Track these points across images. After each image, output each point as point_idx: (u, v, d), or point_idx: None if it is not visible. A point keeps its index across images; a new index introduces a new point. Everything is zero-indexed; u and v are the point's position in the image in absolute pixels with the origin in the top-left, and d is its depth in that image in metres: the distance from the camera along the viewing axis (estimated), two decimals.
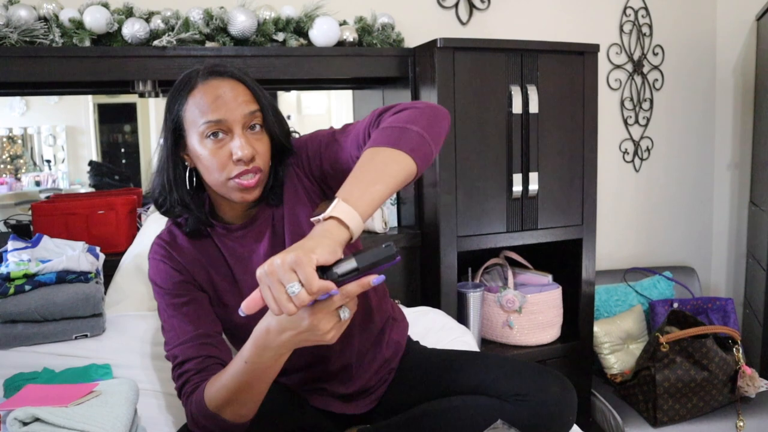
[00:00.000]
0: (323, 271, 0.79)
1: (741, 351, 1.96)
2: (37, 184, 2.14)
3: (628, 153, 2.64)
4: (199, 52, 1.72)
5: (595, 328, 2.18)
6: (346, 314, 0.86)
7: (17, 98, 2.05)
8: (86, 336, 1.43)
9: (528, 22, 2.38)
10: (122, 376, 1.33)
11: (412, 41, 2.07)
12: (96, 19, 1.65)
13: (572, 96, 1.99)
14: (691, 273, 2.60)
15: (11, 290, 1.35)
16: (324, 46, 1.88)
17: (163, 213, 1.14)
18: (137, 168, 2.23)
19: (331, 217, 0.85)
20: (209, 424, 1.01)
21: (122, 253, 1.70)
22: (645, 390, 1.95)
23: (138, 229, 1.82)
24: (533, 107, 1.91)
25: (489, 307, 2.03)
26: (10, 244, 1.50)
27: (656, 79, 2.63)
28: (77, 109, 2.15)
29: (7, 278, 1.36)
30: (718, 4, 2.68)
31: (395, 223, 2.15)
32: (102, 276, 1.54)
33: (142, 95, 1.87)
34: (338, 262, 0.81)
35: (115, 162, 2.22)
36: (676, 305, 2.31)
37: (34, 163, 2.15)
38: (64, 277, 1.41)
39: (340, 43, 1.92)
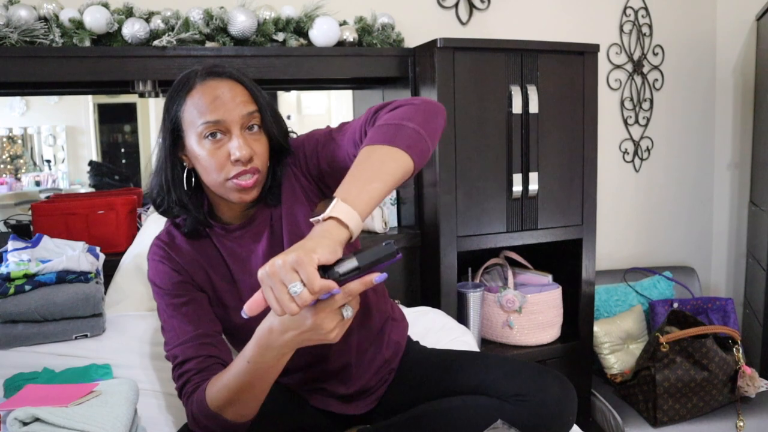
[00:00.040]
0: (324, 270, 0.79)
1: (741, 351, 1.96)
2: (37, 184, 2.14)
3: (628, 153, 2.64)
4: (199, 52, 1.72)
5: (595, 328, 2.18)
6: (349, 313, 0.86)
7: (17, 98, 2.05)
8: (86, 336, 1.43)
9: (528, 22, 2.38)
10: (122, 376, 1.33)
11: (412, 41, 2.07)
12: (96, 19, 1.65)
13: (572, 96, 1.99)
14: (691, 273, 2.60)
15: (11, 290, 1.35)
16: (324, 46, 1.88)
17: (162, 213, 1.15)
18: (137, 168, 2.23)
19: (330, 217, 0.85)
20: (210, 424, 1.02)
21: (122, 253, 1.70)
22: (645, 390, 1.95)
23: (138, 229, 1.82)
24: (533, 107, 1.91)
25: (489, 307, 2.03)
26: (10, 244, 1.50)
27: (656, 79, 2.63)
28: (77, 109, 2.15)
29: (7, 278, 1.36)
30: (718, 4, 2.68)
31: (395, 223, 2.15)
32: (102, 276, 1.54)
33: (142, 95, 1.87)
34: (339, 261, 0.81)
35: (115, 162, 2.22)
36: (676, 305, 2.31)
37: (34, 163, 2.15)
38: (64, 277, 1.41)
39: (340, 43, 1.92)
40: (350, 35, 1.93)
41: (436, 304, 1.90)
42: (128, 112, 2.20)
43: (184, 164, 1.11)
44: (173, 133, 1.07)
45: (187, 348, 1.07)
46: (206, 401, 1.01)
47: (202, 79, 1.06)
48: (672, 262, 2.75)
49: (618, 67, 2.56)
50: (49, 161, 2.15)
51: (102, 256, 1.58)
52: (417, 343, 1.39)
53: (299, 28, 1.88)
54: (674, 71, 2.65)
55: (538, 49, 1.92)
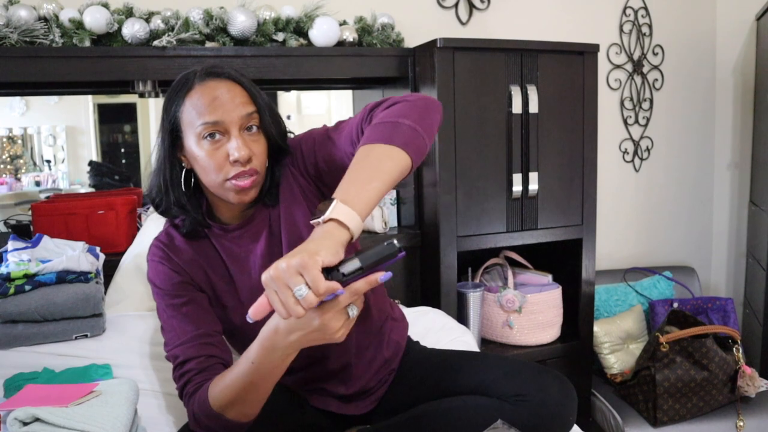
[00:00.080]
0: (327, 272, 0.79)
1: (741, 351, 1.96)
2: (37, 184, 2.14)
3: (628, 153, 2.64)
4: (199, 52, 1.72)
5: (595, 328, 2.18)
6: (354, 312, 0.87)
7: (17, 98, 2.05)
8: (86, 336, 1.43)
9: (528, 22, 2.38)
10: (122, 376, 1.33)
11: (412, 41, 2.07)
12: (96, 19, 1.65)
13: (572, 96, 1.99)
14: (691, 273, 2.60)
15: (11, 290, 1.35)
16: (324, 46, 1.88)
17: (161, 213, 1.15)
18: (137, 168, 2.23)
19: (330, 219, 0.85)
20: (212, 424, 1.02)
21: (122, 253, 1.70)
22: (645, 390, 1.95)
23: (138, 229, 1.82)
24: (533, 107, 1.91)
25: (489, 307, 2.03)
26: (10, 244, 1.50)
27: (656, 79, 2.63)
28: (77, 109, 2.15)
29: (7, 278, 1.36)
30: (718, 4, 2.68)
31: (395, 223, 2.15)
32: (102, 276, 1.54)
33: (142, 95, 1.87)
34: (341, 262, 0.81)
35: (115, 162, 2.22)
36: (676, 305, 2.31)
37: (34, 163, 2.15)
38: (64, 277, 1.41)
39: (340, 43, 1.92)
40: (350, 35, 1.93)
41: (436, 304, 1.90)
42: (128, 112, 2.20)
43: (183, 165, 1.11)
44: (172, 134, 1.07)
45: (187, 348, 1.07)
46: (209, 401, 1.01)
47: (201, 79, 1.06)
48: (672, 262, 2.75)
49: (618, 67, 2.56)
50: (49, 161, 2.15)
51: (102, 256, 1.58)
52: (417, 343, 1.39)
53: (299, 28, 1.88)
54: (674, 71, 2.65)
55: (538, 49, 1.92)
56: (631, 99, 2.61)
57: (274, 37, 1.83)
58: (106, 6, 1.69)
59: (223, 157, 1.04)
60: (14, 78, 1.59)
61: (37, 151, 2.15)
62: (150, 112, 2.17)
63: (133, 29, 1.67)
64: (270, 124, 1.10)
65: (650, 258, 2.73)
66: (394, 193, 2.13)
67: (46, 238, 1.55)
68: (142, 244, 1.64)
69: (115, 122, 2.21)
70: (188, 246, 1.14)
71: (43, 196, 2.07)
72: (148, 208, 1.93)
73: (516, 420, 1.05)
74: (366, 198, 0.88)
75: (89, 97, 2.12)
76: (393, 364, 1.29)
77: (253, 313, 0.83)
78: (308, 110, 2.38)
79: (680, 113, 2.70)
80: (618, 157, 2.63)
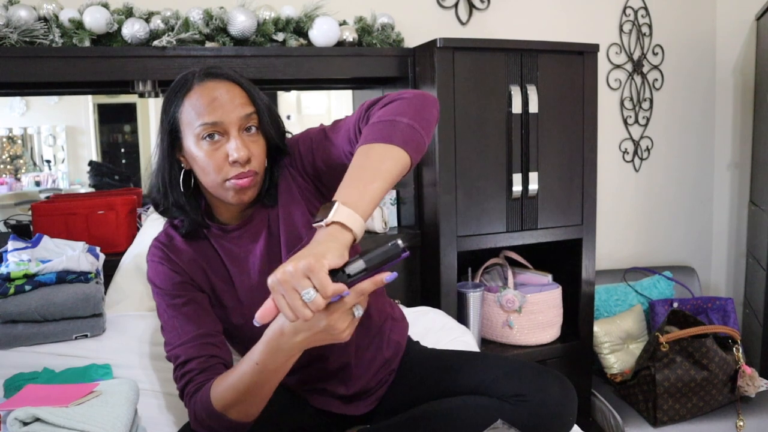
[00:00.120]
0: (333, 274, 0.80)
1: (741, 351, 1.96)
2: (37, 184, 2.14)
3: (627, 153, 2.64)
4: (198, 53, 1.72)
5: (595, 328, 2.18)
6: (359, 311, 0.87)
7: (17, 98, 2.05)
8: (86, 336, 1.43)
9: (528, 22, 2.38)
10: (122, 376, 1.33)
11: (411, 41, 2.07)
12: (96, 20, 1.66)
13: (572, 96, 1.99)
14: (691, 273, 2.60)
15: (11, 290, 1.35)
16: (324, 46, 1.88)
17: (161, 213, 1.15)
18: (137, 168, 2.23)
19: (333, 222, 0.85)
20: (214, 424, 1.02)
21: (122, 253, 1.70)
22: (645, 390, 1.95)
23: (138, 229, 1.82)
24: (533, 107, 1.91)
25: (489, 307, 2.03)
26: (10, 244, 1.50)
27: (656, 79, 2.63)
28: (77, 109, 2.15)
29: (7, 278, 1.36)
30: (718, 4, 2.68)
31: (395, 223, 2.15)
32: (102, 276, 1.54)
33: (141, 95, 1.87)
34: (346, 263, 0.82)
35: (115, 162, 2.22)
36: (676, 305, 2.31)
37: (34, 163, 2.15)
38: (64, 277, 1.41)
39: (340, 43, 1.92)
40: (350, 35, 1.93)
41: (436, 304, 1.90)
42: (128, 112, 2.20)
43: (182, 165, 1.11)
44: (171, 135, 1.07)
45: (188, 348, 1.07)
46: (211, 401, 1.01)
47: (200, 80, 1.06)
48: (672, 261, 2.75)
49: (618, 66, 2.56)
50: (49, 161, 2.15)
51: (102, 256, 1.58)
52: (417, 343, 1.39)
53: (299, 28, 1.88)
54: (674, 71, 2.65)
55: (538, 49, 1.92)
56: (631, 99, 2.61)
57: (274, 37, 1.83)
58: (106, 6, 1.69)
59: (222, 157, 1.04)
60: (14, 78, 1.59)
61: (37, 151, 2.15)
62: (150, 112, 2.17)
63: (133, 29, 1.67)
64: (269, 125, 1.10)
65: (650, 258, 2.73)
66: (394, 193, 2.13)
67: (46, 238, 1.55)
68: (142, 244, 1.64)
69: (115, 122, 2.21)
70: (188, 246, 1.14)
71: (43, 196, 2.07)
72: (148, 208, 1.93)
73: (516, 420, 1.05)
74: (368, 199, 0.88)
75: (89, 97, 2.12)
76: (393, 364, 1.29)
77: (260, 316, 0.83)
78: (308, 110, 2.38)
79: (680, 113, 2.70)
80: (618, 157, 2.63)
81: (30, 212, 1.79)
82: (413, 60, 1.96)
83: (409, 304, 1.90)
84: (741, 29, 2.63)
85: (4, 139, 2.11)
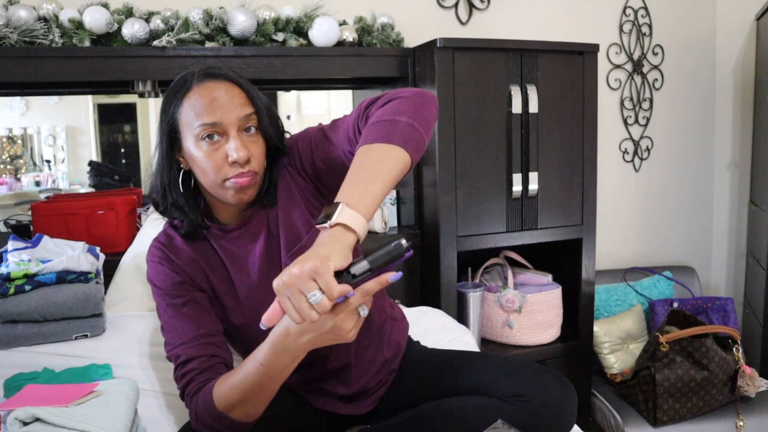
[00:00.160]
0: (337, 275, 0.81)
1: (741, 350, 1.96)
2: (37, 184, 2.14)
3: (627, 153, 2.64)
4: (198, 53, 1.72)
5: (595, 328, 2.18)
6: (365, 311, 0.88)
7: (17, 98, 2.05)
8: (86, 336, 1.43)
9: (528, 22, 2.38)
10: (122, 376, 1.33)
11: (411, 41, 2.07)
12: (96, 20, 1.66)
13: (572, 96, 1.99)
14: (691, 273, 2.60)
15: (11, 290, 1.35)
16: (324, 46, 1.88)
17: (161, 213, 1.15)
18: (137, 168, 2.23)
19: (337, 224, 0.85)
20: (216, 423, 1.02)
21: (122, 253, 1.70)
22: (645, 390, 1.95)
23: (138, 229, 1.82)
24: (533, 107, 1.91)
25: (489, 307, 2.03)
26: (10, 244, 1.50)
27: (656, 79, 2.63)
28: (77, 109, 2.15)
29: (7, 278, 1.36)
30: (718, 4, 2.68)
31: (395, 223, 2.15)
32: (102, 276, 1.54)
33: (141, 95, 1.87)
34: (350, 264, 0.83)
35: (115, 162, 2.22)
36: (676, 305, 2.31)
37: (34, 163, 2.15)
38: (64, 277, 1.41)
39: (340, 43, 1.92)
40: (350, 35, 1.93)
41: (436, 304, 1.90)
42: (128, 112, 2.20)
43: (181, 166, 1.11)
44: (170, 135, 1.07)
45: (189, 348, 1.07)
46: (213, 401, 1.01)
47: (199, 80, 1.06)
48: (672, 261, 2.75)
49: (618, 66, 2.56)
50: (49, 161, 2.15)
51: (102, 256, 1.58)
52: (417, 343, 1.39)
53: (299, 28, 1.88)
54: (674, 71, 2.65)
55: (538, 49, 1.92)
56: (631, 99, 2.61)
57: (274, 37, 1.83)
58: (105, 6, 1.69)
59: (222, 158, 1.04)
60: (14, 78, 1.59)
61: (37, 151, 2.15)
62: (150, 112, 2.17)
63: (132, 29, 1.67)
64: (268, 125, 1.10)
65: (650, 258, 2.73)
66: (394, 193, 2.13)
67: (46, 238, 1.55)
68: (142, 244, 1.64)
69: (115, 122, 2.21)
70: (187, 246, 1.14)
71: (43, 196, 2.07)
72: (148, 208, 1.93)
73: (516, 420, 1.05)
74: (369, 200, 0.88)
75: (89, 97, 2.12)
76: (393, 364, 1.29)
77: (266, 319, 0.84)
78: (308, 110, 2.38)
79: (680, 113, 2.70)
80: (618, 157, 2.63)
81: (30, 212, 1.79)
82: (413, 60, 1.96)
83: (409, 304, 1.90)
84: (741, 29, 2.63)
85: (4, 139, 2.11)
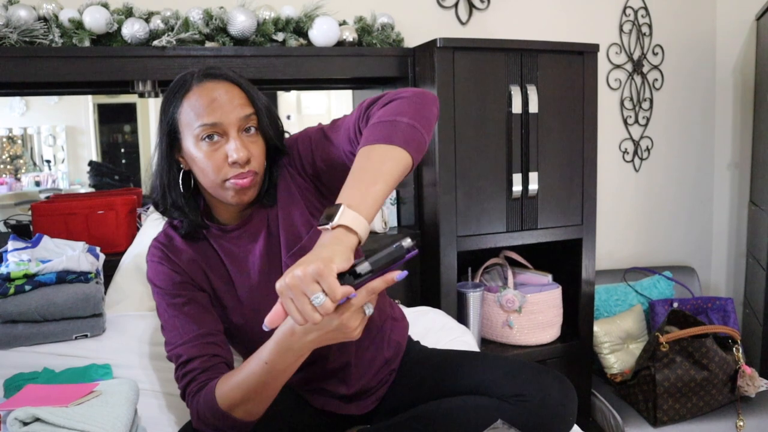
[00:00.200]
0: (340, 276, 0.81)
1: (741, 351, 1.96)
2: (37, 184, 2.14)
3: (627, 153, 2.64)
4: (198, 52, 1.72)
5: (595, 328, 2.18)
6: (370, 310, 0.88)
7: (17, 98, 2.05)
8: (86, 336, 1.43)
9: (528, 22, 2.38)
10: (122, 376, 1.33)
11: (411, 41, 2.07)
12: (96, 20, 1.66)
13: (572, 96, 1.99)
14: (691, 273, 2.60)
15: (11, 290, 1.35)
16: (324, 46, 1.88)
17: (162, 213, 1.15)
18: (137, 168, 2.23)
19: (339, 225, 0.85)
20: (218, 423, 1.02)
21: (122, 253, 1.70)
22: (645, 390, 1.95)
23: (138, 229, 1.82)
24: (533, 107, 1.91)
25: (489, 307, 2.03)
26: (10, 244, 1.50)
27: (656, 79, 2.63)
28: (77, 109, 2.15)
29: (7, 278, 1.36)
30: (718, 4, 2.68)
31: (395, 223, 2.15)
32: (102, 276, 1.54)
33: (141, 95, 1.87)
34: (352, 266, 0.83)
35: (115, 162, 2.22)
36: (676, 305, 2.31)
37: (34, 163, 2.15)
38: (64, 277, 1.41)
39: (340, 43, 1.92)
40: (350, 35, 1.93)
41: (436, 304, 1.90)
42: (128, 112, 2.20)
43: (181, 166, 1.11)
44: (170, 135, 1.07)
45: (190, 347, 1.07)
46: (216, 400, 1.01)
47: (199, 81, 1.06)
48: (672, 261, 2.75)
49: (618, 66, 2.56)
50: (49, 161, 2.15)
51: (102, 256, 1.58)
52: (417, 343, 1.39)
53: (299, 28, 1.88)
54: (674, 71, 2.65)
55: (538, 49, 1.92)
56: (631, 99, 2.61)
57: (274, 37, 1.83)
58: (105, 6, 1.69)
59: (222, 158, 1.04)
60: (14, 78, 1.59)
61: (37, 151, 2.15)
62: (150, 112, 2.17)
63: (132, 29, 1.67)
64: (268, 126, 1.10)
65: (650, 258, 2.73)
66: (394, 193, 2.13)
67: (46, 238, 1.55)
68: (142, 244, 1.64)
69: (115, 122, 2.21)
70: (187, 246, 1.14)
71: (43, 196, 2.07)
72: (148, 208, 1.93)
73: (516, 420, 1.05)
74: (371, 201, 0.89)
75: (89, 97, 2.12)
76: (393, 364, 1.29)
77: (269, 321, 0.84)
78: (308, 110, 2.38)
79: (680, 113, 2.70)
80: (618, 157, 2.63)
81: (30, 212, 1.79)
82: (413, 60, 1.96)
83: (409, 304, 1.90)
84: (741, 29, 2.63)
85: (4, 139, 2.11)
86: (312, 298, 0.78)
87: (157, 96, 1.86)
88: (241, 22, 1.76)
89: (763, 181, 2.36)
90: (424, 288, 2.03)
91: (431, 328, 1.67)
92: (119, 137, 2.22)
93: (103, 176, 2.16)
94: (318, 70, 1.87)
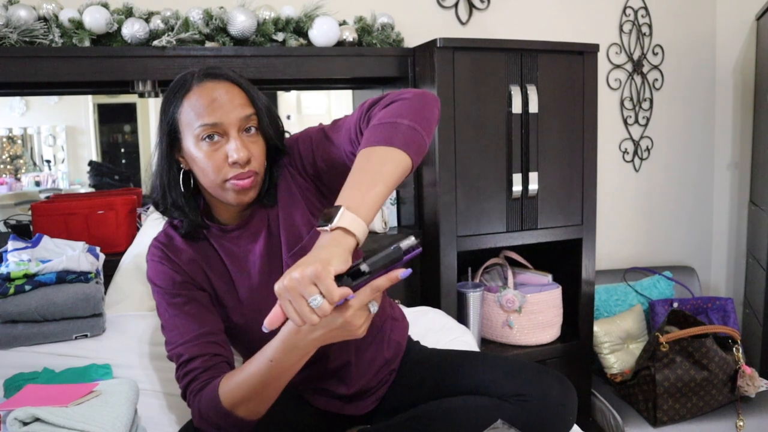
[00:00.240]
0: (337, 278, 0.82)
1: (741, 351, 1.96)
2: (37, 184, 2.14)
3: (627, 153, 2.64)
4: (198, 52, 1.72)
5: (595, 328, 2.18)
6: (375, 308, 0.88)
7: (17, 98, 2.05)
8: (86, 336, 1.43)
9: (528, 22, 2.38)
10: (122, 376, 1.33)
11: (411, 41, 2.07)
12: (96, 20, 1.66)
13: (572, 96, 1.99)
14: (691, 273, 2.60)
15: (11, 290, 1.35)
16: (324, 46, 1.88)
17: (162, 213, 1.15)
18: (137, 168, 2.23)
19: (337, 227, 0.86)
20: (221, 421, 1.02)
21: (122, 253, 1.70)
22: (645, 390, 1.95)
23: (138, 229, 1.82)
24: (533, 107, 1.91)
25: (489, 306, 2.03)
26: (10, 244, 1.50)
27: (656, 79, 2.63)
28: (77, 109, 2.15)
29: (7, 278, 1.36)
30: (718, 4, 2.68)
31: (395, 223, 2.15)
32: (102, 276, 1.54)
33: (141, 95, 1.87)
34: (350, 267, 0.83)
35: (115, 162, 2.22)
36: (676, 305, 2.31)
37: (34, 163, 2.15)
38: (64, 277, 1.41)
39: (340, 43, 1.92)
40: (350, 35, 1.93)
41: (436, 304, 1.90)
42: (128, 112, 2.20)
43: (181, 166, 1.11)
44: (170, 135, 1.07)
45: (192, 346, 1.07)
46: (219, 398, 1.01)
47: (199, 80, 1.06)
48: (672, 261, 2.75)
49: (618, 66, 2.56)
50: (49, 161, 2.15)
51: (102, 256, 1.58)
52: (417, 343, 1.39)
53: (299, 28, 1.88)
54: (674, 71, 2.65)
55: (538, 49, 1.92)
56: (631, 99, 2.61)
57: (274, 37, 1.83)
58: (105, 6, 1.69)
59: (222, 158, 1.04)
60: (14, 78, 1.59)
61: (37, 151, 2.15)
62: (150, 112, 2.17)
63: (132, 29, 1.67)
64: (268, 126, 1.10)
65: (650, 258, 2.73)
66: (394, 193, 2.13)
67: (46, 238, 1.55)
68: (142, 244, 1.64)
69: (115, 122, 2.21)
70: (187, 246, 1.14)
71: (43, 196, 2.07)
72: (148, 208, 1.93)
73: (516, 420, 1.05)
74: (370, 203, 0.89)
75: (89, 97, 2.12)
76: (393, 364, 1.29)
77: (269, 322, 0.84)
78: (308, 110, 2.38)
79: (680, 113, 2.70)
80: (618, 157, 2.63)
81: (30, 212, 1.79)
82: (413, 60, 1.96)
83: (409, 304, 1.90)
84: (741, 29, 2.63)
85: (4, 139, 2.11)
86: (310, 300, 0.79)
87: (157, 96, 1.86)
88: (241, 22, 1.76)
89: (763, 181, 2.36)
90: (424, 288, 2.03)
91: (431, 328, 1.67)
92: (119, 137, 2.22)
93: (103, 176, 2.16)
94: (318, 70, 1.87)
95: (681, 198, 2.76)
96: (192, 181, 1.12)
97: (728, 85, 2.71)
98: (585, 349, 2.13)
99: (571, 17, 2.46)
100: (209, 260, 1.15)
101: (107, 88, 2.00)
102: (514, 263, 2.11)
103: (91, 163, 2.16)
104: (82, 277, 1.43)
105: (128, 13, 1.72)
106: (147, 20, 1.71)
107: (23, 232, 1.84)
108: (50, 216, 1.73)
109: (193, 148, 1.05)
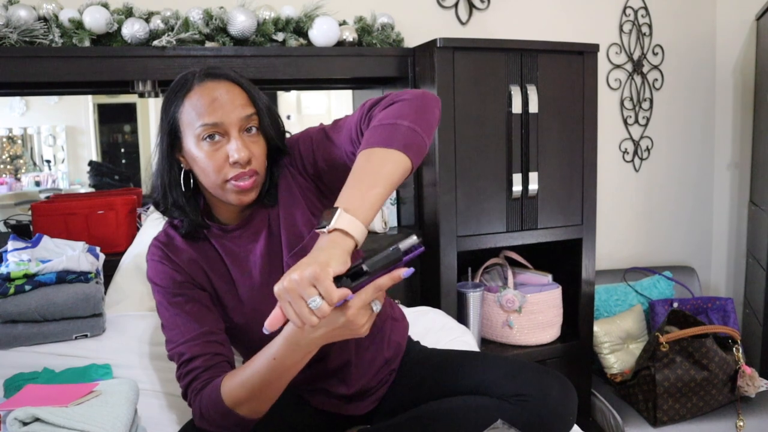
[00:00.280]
0: (336, 280, 0.82)
1: (741, 351, 1.96)
2: (37, 184, 2.14)
3: (627, 153, 2.64)
4: (198, 52, 1.72)
5: (595, 328, 2.18)
6: (378, 306, 0.89)
7: (17, 98, 2.05)
8: (86, 336, 1.43)
9: (528, 22, 2.38)
10: (122, 376, 1.33)
11: (411, 41, 2.07)
12: (96, 20, 1.66)
13: (572, 96, 1.99)
14: (691, 273, 2.60)
15: (11, 290, 1.35)
16: (324, 46, 1.88)
17: (162, 213, 1.15)
18: (137, 168, 2.23)
19: (335, 229, 0.86)
20: (222, 420, 1.02)
21: (122, 253, 1.70)
22: (645, 390, 1.95)
23: (138, 229, 1.82)
24: (533, 107, 1.91)
25: (489, 307, 2.03)
26: (10, 244, 1.50)
27: (656, 79, 2.63)
28: (77, 109, 2.15)
29: (7, 278, 1.36)
30: (718, 4, 2.68)
31: (395, 223, 2.15)
32: (102, 276, 1.54)
33: (141, 95, 1.87)
34: (349, 269, 0.84)
35: (115, 162, 2.22)
36: (676, 305, 2.31)
37: (34, 163, 2.15)
38: (64, 277, 1.41)
39: (340, 43, 1.92)
40: (350, 35, 1.93)
41: (436, 304, 1.90)
42: (128, 112, 2.20)
43: (182, 165, 1.11)
44: (170, 135, 1.07)
45: (193, 346, 1.07)
46: (221, 397, 1.01)
47: (200, 80, 1.06)
48: (672, 261, 2.75)
49: (618, 66, 2.56)
50: (49, 161, 2.15)
51: (102, 256, 1.58)
52: (417, 343, 1.39)
53: (299, 28, 1.88)
54: (674, 71, 2.65)
55: (538, 49, 1.92)
56: (631, 99, 2.61)
57: (274, 37, 1.83)
58: (105, 6, 1.69)
59: (223, 158, 1.04)
60: (14, 78, 1.59)
61: (37, 151, 2.15)
62: (150, 112, 2.17)
63: (132, 29, 1.67)
64: (269, 126, 1.10)
65: (650, 258, 2.73)
66: (394, 193, 2.13)
67: (46, 238, 1.55)
68: (142, 244, 1.64)
69: (115, 122, 2.21)
70: (188, 246, 1.14)
71: (43, 196, 2.07)
72: (148, 208, 1.93)
73: (516, 420, 1.05)
74: (369, 205, 0.89)
75: (89, 97, 2.12)
76: (393, 364, 1.29)
77: (269, 324, 0.85)
78: (308, 110, 2.38)
79: (680, 113, 2.70)
80: (618, 157, 2.63)
81: (30, 212, 1.79)
82: (413, 60, 1.96)
83: (409, 304, 1.90)
84: (741, 29, 2.63)
85: (4, 139, 2.11)
86: (309, 301, 0.79)
87: (157, 96, 1.86)
88: (241, 22, 1.76)
89: (763, 181, 2.36)
90: (424, 288, 2.03)
91: (431, 328, 1.67)
92: (119, 137, 2.22)
93: (103, 176, 2.16)
94: (318, 70, 1.87)
95: (681, 198, 2.76)
96: (192, 181, 1.12)
97: (728, 85, 2.71)
98: (585, 349, 2.13)
99: (571, 17, 2.46)
100: (210, 260, 1.15)
101: (107, 88, 2.00)
102: (514, 263, 2.11)
103: (91, 163, 2.16)
104: (82, 277, 1.43)
105: (128, 13, 1.72)
106: (147, 20, 1.71)
107: (23, 232, 1.84)
108: (50, 216, 1.73)
109: (194, 147, 1.05)
